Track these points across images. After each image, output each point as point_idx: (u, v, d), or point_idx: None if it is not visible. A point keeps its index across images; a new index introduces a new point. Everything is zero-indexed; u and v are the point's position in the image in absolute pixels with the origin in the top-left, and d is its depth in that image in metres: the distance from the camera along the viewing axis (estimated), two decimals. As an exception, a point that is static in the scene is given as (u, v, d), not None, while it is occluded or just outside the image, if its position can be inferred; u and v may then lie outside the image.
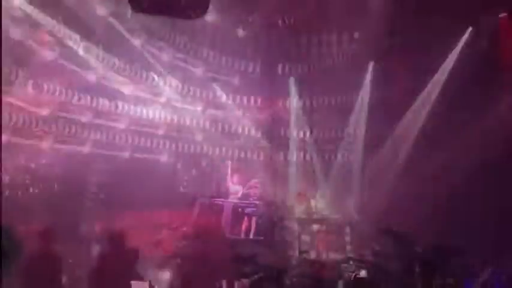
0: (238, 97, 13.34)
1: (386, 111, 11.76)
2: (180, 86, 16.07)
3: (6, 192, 14.54)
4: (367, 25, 10.30)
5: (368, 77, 13.73)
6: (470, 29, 10.57)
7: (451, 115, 10.96)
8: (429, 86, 12.02)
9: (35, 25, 12.66)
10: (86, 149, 15.41)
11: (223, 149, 17.55)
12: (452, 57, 11.46)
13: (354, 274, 7.27)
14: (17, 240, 0.93)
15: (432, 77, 11.74)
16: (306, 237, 9.27)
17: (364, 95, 14.22)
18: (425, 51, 10.63)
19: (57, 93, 14.96)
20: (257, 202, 10.78)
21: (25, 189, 15.27)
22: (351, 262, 8.36)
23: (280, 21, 12.13)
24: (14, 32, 12.20)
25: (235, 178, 12.79)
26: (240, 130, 12.39)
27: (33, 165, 15.41)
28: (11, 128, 14.28)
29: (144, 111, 16.81)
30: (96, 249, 14.93)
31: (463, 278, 6.73)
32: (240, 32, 13.25)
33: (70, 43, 13.36)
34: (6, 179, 14.78)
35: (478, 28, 10.43)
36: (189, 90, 16.23)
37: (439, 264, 6.48)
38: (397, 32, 10.45)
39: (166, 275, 11.85)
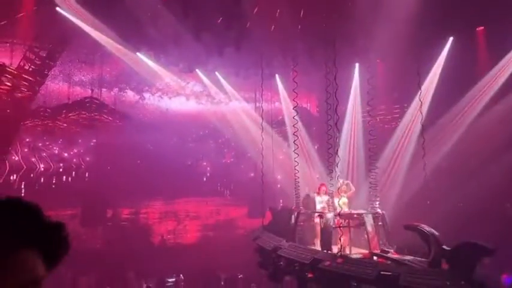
0: (262, 91, 13.18)
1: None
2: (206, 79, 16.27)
3: (42, 180, 15.55)
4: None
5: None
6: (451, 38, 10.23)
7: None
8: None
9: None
10: (115, 138, 16.08)
11: (246, 142, 17.71)
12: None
13: (377, 270, 7.14)
14: (66, 235, 0.97)
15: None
16: (328, 232, 9.14)
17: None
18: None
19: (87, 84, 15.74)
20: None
21: (59, 177, 16.29)
22: (375, 257, 8.22)
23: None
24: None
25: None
26: (263, 123, 12.28)
27: (66, 155, 16.26)
28: (46, 115, 15.04)
29: (170, 102, 17.24)
30: (122, 234, 15.54)
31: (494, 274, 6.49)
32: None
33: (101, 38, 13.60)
34: (41, 167, 15.79)
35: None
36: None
37: (466, 262, 6.28)
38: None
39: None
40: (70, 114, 15.58)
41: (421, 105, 9.32)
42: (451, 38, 11.24)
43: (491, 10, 9.29)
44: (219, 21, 11.24)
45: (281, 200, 15.48)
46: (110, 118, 15.98)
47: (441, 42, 11.46)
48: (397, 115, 15.12)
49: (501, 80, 10.96)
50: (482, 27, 10.88)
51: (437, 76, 11.99)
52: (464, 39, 11.04)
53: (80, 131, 15.99)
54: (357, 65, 14.23)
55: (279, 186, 17.53)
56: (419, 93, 9.52)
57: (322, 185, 10.18)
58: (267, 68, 13.23)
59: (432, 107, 11.68)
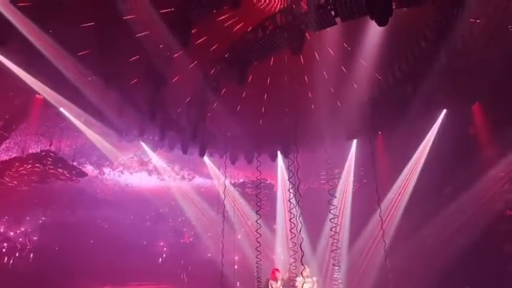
0: (227, 170, 13.28)
1: (372, 186, 11.93)
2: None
3: None
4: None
5: (352, 154, 14.26)
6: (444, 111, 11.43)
7: (435, 192, 11.27)
8: (411, 163, 12.55)
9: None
10: (67, 216, 14.84)
11: (207, 221, 17.17)
12: (430, 137, 12.34)
13: None
14: None
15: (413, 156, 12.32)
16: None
17: (349, 169, 14.60)
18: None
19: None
20: None
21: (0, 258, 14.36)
22: None
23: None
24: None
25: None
26: (225, 202, 12.13)
27: (11, 233, 14.68)
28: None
29: (130, 177, 16.71)
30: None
31: None
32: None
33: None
34: None
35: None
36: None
37: None
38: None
39: None
40: (21, 169, 14.23)
41: (377, 188, 9.80)
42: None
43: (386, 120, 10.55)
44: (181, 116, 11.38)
45: (238, 283, 14.64)
46: (67, 173, 14.73)
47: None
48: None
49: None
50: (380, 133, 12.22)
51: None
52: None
53: (29, 189, 14.54)
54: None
55: (236, 267, 16.72)
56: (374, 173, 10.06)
57: (275, 270, 9.80)
58: (231, 152, 13.42)
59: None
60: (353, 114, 9.19)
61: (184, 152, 11.75)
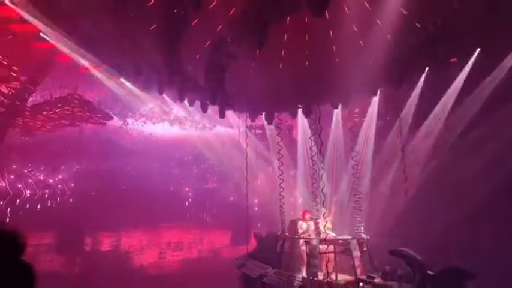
0: (246, 118, 13.29)
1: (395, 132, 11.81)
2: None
3: (27, 205, 15.34)
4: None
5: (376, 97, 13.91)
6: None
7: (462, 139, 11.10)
8: (439, 107, 12.18)
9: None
10: (99, 164, 15.82)
11: (229, 167, 17.71)
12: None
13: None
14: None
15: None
16: (314, 258, 9.11)
17: (373, 114, 14.35)
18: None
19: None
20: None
21: (43, 202, 16.06)
22: (360, 284, 8.23)
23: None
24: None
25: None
26: (246, 148, 12.39)
27: (51, 181, 16.02)
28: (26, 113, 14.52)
29: (154, 127, 17.21)
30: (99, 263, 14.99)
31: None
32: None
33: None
34: (27, 193, 15.61)
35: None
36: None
37: (450, 286, 6.41)
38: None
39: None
40: (51, 112, 15.23)
41: (401, 133, 9.71)
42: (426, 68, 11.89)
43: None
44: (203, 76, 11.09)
45: (259, 224, 15.43)
46: (94, 116, 15.70)
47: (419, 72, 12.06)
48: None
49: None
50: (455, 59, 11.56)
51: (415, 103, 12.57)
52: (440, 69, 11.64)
53: (61, 140, 15.58)
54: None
55: (256, 209, 17.53)
56: (398, 120, 9.92)
57: (305, 211, 10.22)
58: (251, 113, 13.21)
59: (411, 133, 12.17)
60: (380, 67, 8.68)
61: (204, 111, 11.78)
